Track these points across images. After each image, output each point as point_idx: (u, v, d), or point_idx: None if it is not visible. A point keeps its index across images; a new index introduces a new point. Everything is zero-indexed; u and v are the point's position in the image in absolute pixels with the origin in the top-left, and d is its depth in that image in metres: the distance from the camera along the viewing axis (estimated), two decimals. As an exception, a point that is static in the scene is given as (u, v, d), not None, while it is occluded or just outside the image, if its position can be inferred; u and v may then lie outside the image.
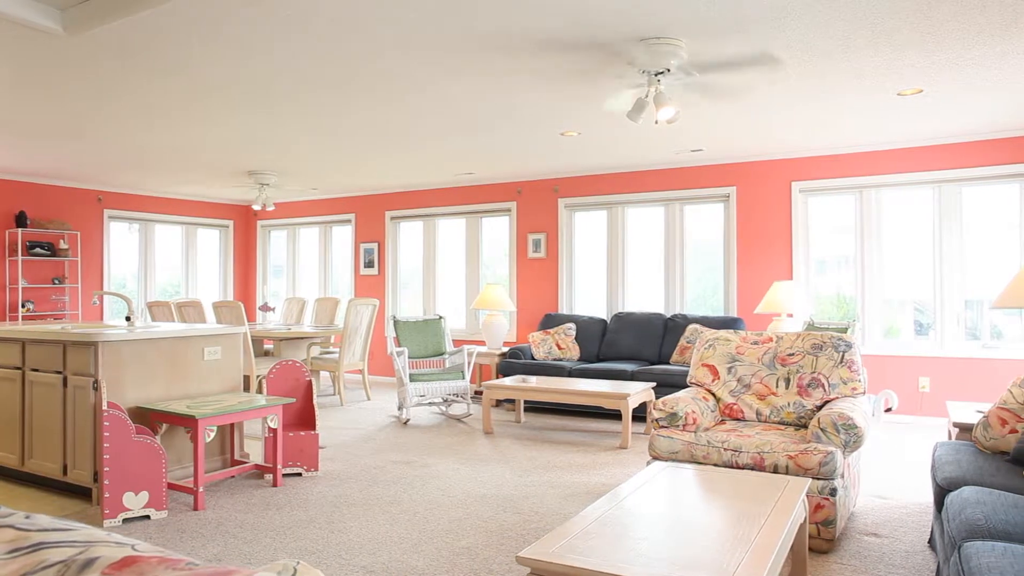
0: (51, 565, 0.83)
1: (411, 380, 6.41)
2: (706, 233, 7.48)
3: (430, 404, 7.10)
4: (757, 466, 3.35)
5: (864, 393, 3.92)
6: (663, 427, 3.73)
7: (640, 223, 7.82)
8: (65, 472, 4.10)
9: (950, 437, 3.86)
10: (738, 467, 3.39)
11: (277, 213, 10.58)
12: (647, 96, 4.05)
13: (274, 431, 4.33)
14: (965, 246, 6.27)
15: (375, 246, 9.54)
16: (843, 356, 3.93)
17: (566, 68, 4.23)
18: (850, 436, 3.33)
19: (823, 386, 3.89)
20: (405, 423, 6.38)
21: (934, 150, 6.31)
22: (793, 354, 4.04)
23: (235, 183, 8.72)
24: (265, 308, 8.53)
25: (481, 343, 8.68)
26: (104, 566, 0.83)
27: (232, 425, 4.69)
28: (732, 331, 4.33)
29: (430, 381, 6.46)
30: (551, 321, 7.69)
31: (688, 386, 4.31)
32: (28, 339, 4.28)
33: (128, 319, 4.62)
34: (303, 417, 4.78)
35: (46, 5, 3.46)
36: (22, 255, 8.04)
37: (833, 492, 3.20)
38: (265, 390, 4.68)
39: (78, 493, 4.19)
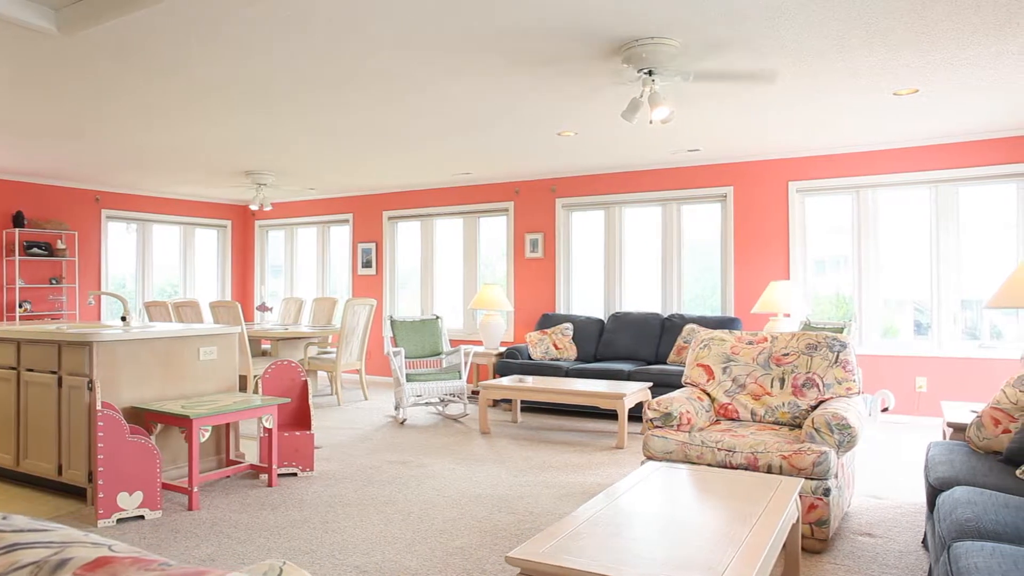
0: (24, 566, 0.83)
1: (408, 380, 6.41)
2: (703, 233, 7.47)
3: (427, 404, 7.10)
4: (751, 466, 3.35)
5: (859, 393, 3.92)
6: (657, 427, 3.73)
7: (637, 223, 7.82)
8: (60, 472, 4.10)
9: (945, 437, 3.86)
10: (732, 467, 3.39)
11: (275, 213, 10.58)
12: (642, 96, 4.04)
13: (269, 431, 4.33)
14: (962, 246, 6.27)
15: (373, 246, 9.54)
16: (838, 356, 3.93)
17: (561, 67, 4.23)
18: (844, 436, 3.33)
19: (818, 386, 3.89)
20: (402, 423, 6.38)
21: (930, 150, 6.31)
22: (788, 354, 4.04)
23: (233, 183, 8.72)
24: (263, 308, 8.53)
25: (479, 343, 8.68)
26: (76, 567, 0.83)
27: (227, 425, 4.69)
28: (727, 331, 4.33)
29: (427, 381, 6.46)
30: (548, 321, 7.69)
31: (683, 386, 4.31)
32: (23, 339, 4.28)
33: (123, 319, 4.62)
34: (299, 417, 4.78)
35: (40, 5, 3.46)
36: (19, 255, 8.04)
37: (827, 492, 3.20)
38: (260, 390, 4.67)
39: (73, 493, 4.18)
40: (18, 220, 8.01)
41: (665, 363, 6.88)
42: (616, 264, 7.87)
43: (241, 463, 4.54)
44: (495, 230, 8.75)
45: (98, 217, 9.00)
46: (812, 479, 3.23)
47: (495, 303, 7.66)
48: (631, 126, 5.76)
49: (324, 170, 7.85)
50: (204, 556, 3.21)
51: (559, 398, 5.65)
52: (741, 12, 3.40)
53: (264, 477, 4.53)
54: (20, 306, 8.07)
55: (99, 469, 3.59)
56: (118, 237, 9.38)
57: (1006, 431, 3.04)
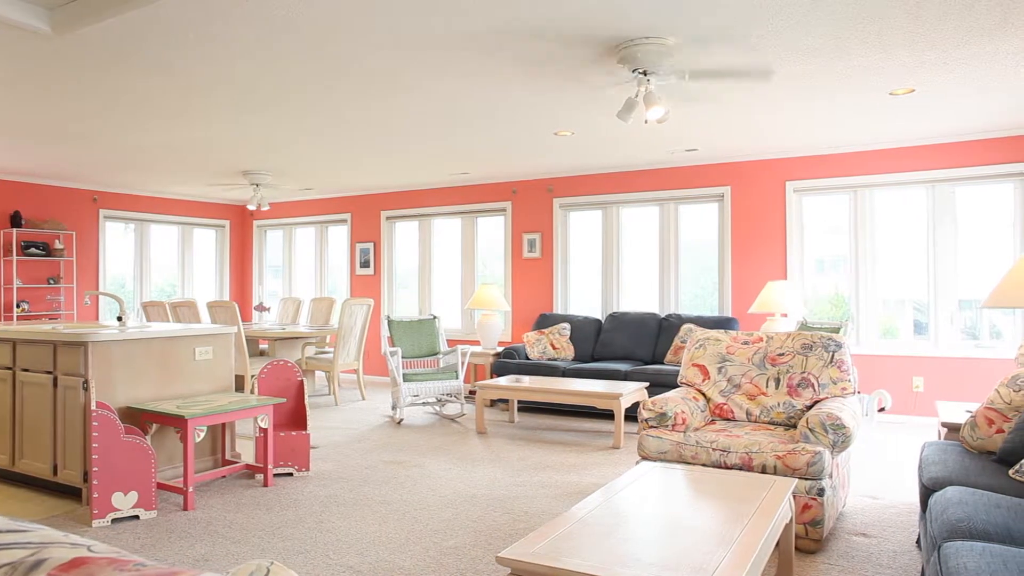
0: (-1, 567, 0.83)
1: (405, 380, 6.41)
2: (701, 233, 7.47)
3: (424, 404, 7.10)
4: (745, 466, 3.35)
5: (854, 393, 3.92)
6: (652, 427, 3.73)
7: (635, 223, 7.82)
8: (55, 472, 4.10)
9: (940, 437, 3.86)
10: (726, 467, 3.39)
11: (273, 213, 10.58)
12: (637, 96, 4.04)
13: (265, 431, 4.33)
14: (959, 246, 6.27)
15: (371, 246, 9.54)
16: (833, 356, 3.93)
17: (557, 68, 4.23)
18: (838, 436, 3.33)
19: (813, 386, 3.89)
20: (399, 423, 6.38)
21: (927, 150, 6.31)
22: (783, 354, 4.04)
23: (230, 183, 8.72)
24: (260, 308, 8.54)
25: (476, 343, 8.68)
26: (52, 567, 0.83)
27: (223, 425, 4.69)
28: (723, 331, 4.32)
29: (424, 381, 6.46)
30: (546, 321, 7.69)
31: (679, 386, 4.31)
32: (19, 339, 4.28)
33: (119, 319, 4.62)
34: (295, 417, 4.78)
35: (33, 5, 3.46)
36: (17, 255, 8.04)
37: (821, 492, 3.19)
38: (256, 390, 4.68)
39: (69, 493, 4.18)
40: (15, 220, 8.01)
41: (662, 363, 6.88)
42: (613, 264, 7.87)
43: (237, 463, 4.54)
44: (493, 230, 8.75)
45: (96, 217, 9.00)
46: (806, 479, 3.23)
47: (492, 303, 7.66)
48: (628, 126, 5.76)
49: (321, 170, 7.85)
50: (198, 556, 3.21)
51: (555, 398, 5.65)
52: (736, 12, 3.40)
53: (260, 477, 4.53)
54: (18, 306, 8.07)
55: (94, 469, 3.59)
56: (116, 237, 9.38)
57: (1000, 431, 3.04)
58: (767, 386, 3.99)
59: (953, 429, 3.50)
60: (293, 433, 4.58)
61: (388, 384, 9.05)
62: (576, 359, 7.30)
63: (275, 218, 10.58)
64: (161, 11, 3.36)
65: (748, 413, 3.98)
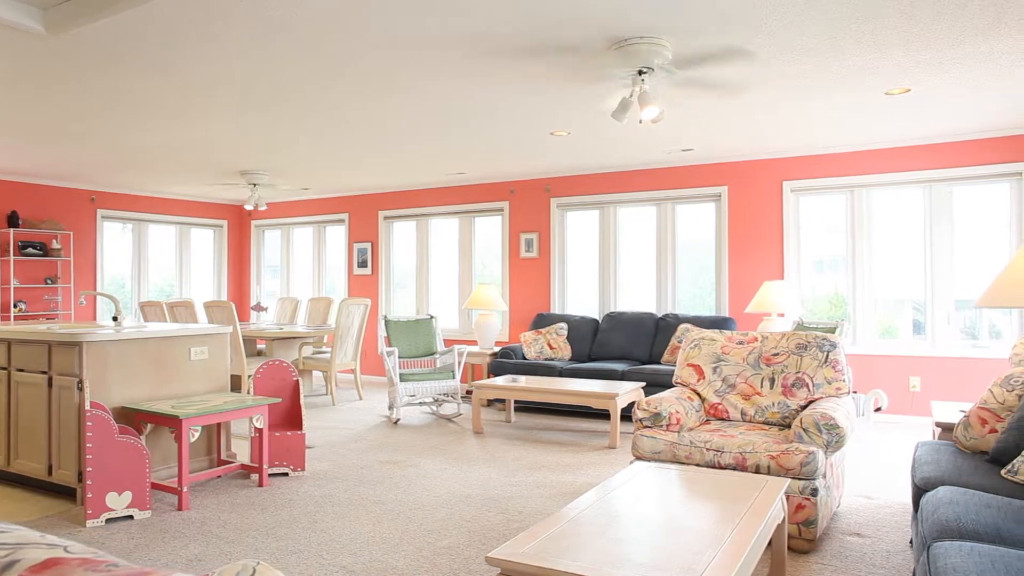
0: (-28, 567, 0.83)
1: (401, 380, 6.41)
2: (698, 233, 7.47)
3: (420, 404, 7.10)
4: (739, 466, 3.35)
5: (848, 393, 3.92)
6: (647, 427, 3.73)
7: (632, 223, 7.82)
8: (50, 472, 4.10)
9: (935, 437, 3.86)
10: (720, 467, 3.39)
11: (271, 213, 10.58)
12: (632, 96, 4.04)
13: (260, 431, 4.33)
14: (956, 245, 6.27)
15: (368, 246, 9.54)
16: (827, 356, 3.93)
17: (552, 68, 4.22)
18: (832, 436, 3.33)
19: (807, 386, 3.89)
20: (395, 423, 6.38)
21: (924, 149, 6.31)
22: (778, 354, 4.04)
23: (228, 183, 8.72)
24: (258, 308, 8.53)
25: (474, 343, 8.68)
26: (24, 568, 0.82)
27: (219, 425, 4.68)
28: (718, 331, 4.32)
29: (420, 381, 6.46)
30: (543, 321, 7.69)
31: (674, 386, 4.31)
32: (13, 339, 4.28)
33: (115, 319, 4.62)
34: (290, 417, 4.78)
35: (27, 5, 3.45)
36: (14, 255, 8.04)
37: (814, 492, 3.19)
38: (252, 390, 4.67)
39: (63, 493, 4.18)
40: (13, 220, 8.01)
41: (659, 363, 6.88)
42: (611, 264, 7.87)
43: (232, 463, 4.54)
44: (490, 230, 8.75)
45: (93, 217, 9.00)
46: (800, 479, 3.23)
47: (490, 303, 7.66)
48: (624, 126, 5.76)
49: (318, 170, 7.84)
50: (191, 556, 3.21)
51: (552, 398, 5.65)
52: (731, 12, 3.40)
53: (255, 477, 4.53)
54: (15, 306, 8.07)
55: (88, 469, 3.59)
56: (114, 237, 9.37)
57: (993, 431, 3.04)
58: (762, 386, 3.99)
59: (947, 429, 3.50)
60: (288, 433, 4.58)
61: (385, 384, 9.05)
62: (573, 359, 7.30)
63: (273, 218, 10.58)
64: (156, 11, 3.36)
65: (743, 413, 3.98)
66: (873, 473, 4.64)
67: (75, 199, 8.82)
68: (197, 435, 3.95)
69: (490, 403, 7.37)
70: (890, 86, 4.66)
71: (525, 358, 7.22)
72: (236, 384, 7.43)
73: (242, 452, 5.28)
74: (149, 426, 4.18)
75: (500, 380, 6.08)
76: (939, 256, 6.30)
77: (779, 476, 3.25)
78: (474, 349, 7.66)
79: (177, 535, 3.48)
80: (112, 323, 4.70)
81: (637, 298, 7.78)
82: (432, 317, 7.16)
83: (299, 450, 4.60)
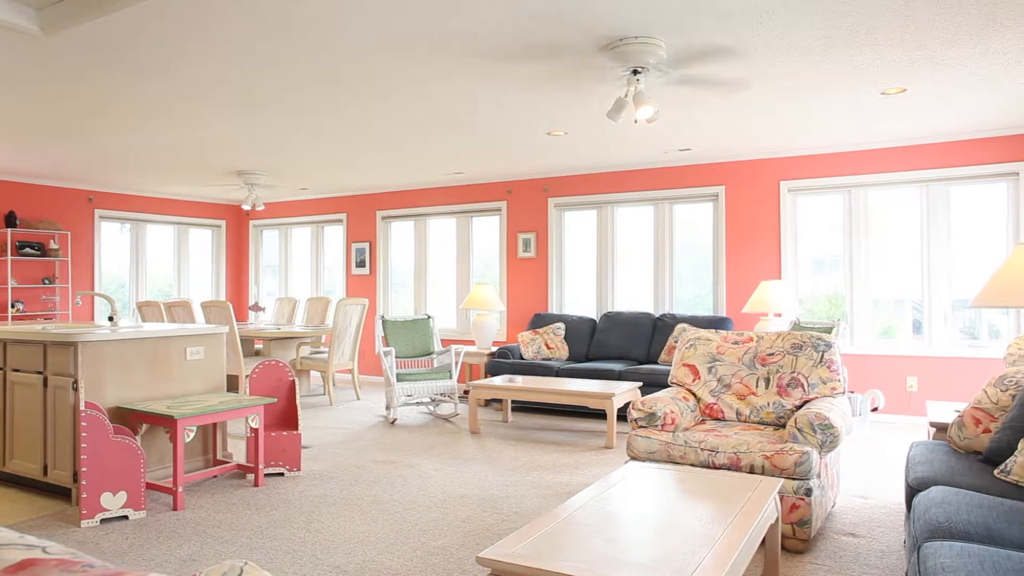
0: (-54, 568, 0.83)
1: (398, 380, 6.41)
2: (695, 233, 7.47)
3: (418, 404, 7.10)
4: (733, 466, 3.35)
5: (843, 393, 3.92)
6: (642, 427, 3.73)
7: (629, 223, 7.82)
8: (45, 472, 4.10)
9: (930, 437, 3.86)
10: (715, 467, 3.39)
11: (269, 213, 10.58)
12: (627, 95, 4.04)
13: (255, 431, 4.33)
14: (953, 245, 6.27)
15: (366, 246, 9.54)
16: (823, 356, 3.93)
17: (548, 68, 4.22)
18: (826, 436, 3.33)
19: (802, 386, 3.89)
20: (392, 423, 6.38)
21: (920, 149, 6.31)
22: (773, 354, 4.04)
23: (225, 183, 8.72)
24: (256, 308, 8.53)
25: (472, 343, 8.68)
26: (-1, 569, 0.82)
27: (215, 425, 4.68)
28: (713, 331, 4.32)
29: (417, 381, 6.46)
30: (540, 321, 7.69)
31: (670, 386, 4.30)
32: (9, 339, 4.28)
33: (111, 319, 4.62)
34: (286, 417, 4.78)
35: (22, 5, 3.45)
36: (11, 255, 8.03)
37: (808, 492, 3.19)
38: (247, 390, 4.67)
39: (58, 493, 4.18)
40: (10, 220, 8.00)
41: (656, 363, 6.88)
42: (608, 264, 7.87)
43: (228, 463, 4.54)
44: (488, 230, 8.75)
45: (91, 217, 9.00)
46: (794, 479, 3.22)
47: (487, 303, 7.66)
48: (621, 126, 5.76)
49: (316, 170, 7.84)
50: (185, 556, 3.21)
51: (548, 398, 5.65)
52: (725, 11, 3.40)
53: (251, 477, 4.53)
54: (12, 306, 8.07)
55: (83, 469, 3.59)
56: (112, 237, 9.37)
57: (987, 431, 3.04)
58: (757, 386, 3.99)
59: (941, 429, 3.50)
60: (284, 433, 4.58)
61: (383, 384, 9.05)
62: (570, 359, 7.30)
63: (271, 218, 10.57)
64: (150, 11, 3.36)
65: (738, 413, 3.98)
66: (869, 473, 4.63)
67: (73, 199, 8.81)
68: (192, 435, 3.95)
69: (488, 403, 7.37)
70: (886, 86, 4.66)
71: (522, 358, 7.22)
72: (234, 384, 7.43)
73: (238, 452, 5.28)
74: (144, 426, 4.18)
75: (497, 380, 6.08)
76: (936, 256, 6.30)
77: (773, 476, 3.25)
78: (472, 349, 7.66)
79: (171, 535, 3.48)
80: (108, 323, 4.70)
81: (634, 298, 7.78)
82: (429, 317, 7.16)
83: (295, 450, 4.60)
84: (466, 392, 8.07)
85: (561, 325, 7.42)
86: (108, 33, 3.64)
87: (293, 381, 4.81)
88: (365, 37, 3.72)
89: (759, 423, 3.92)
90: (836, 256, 6.81)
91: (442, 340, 8.91)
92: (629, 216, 7.82)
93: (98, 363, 4.02)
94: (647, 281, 7.69)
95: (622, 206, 7.81)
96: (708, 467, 3.40)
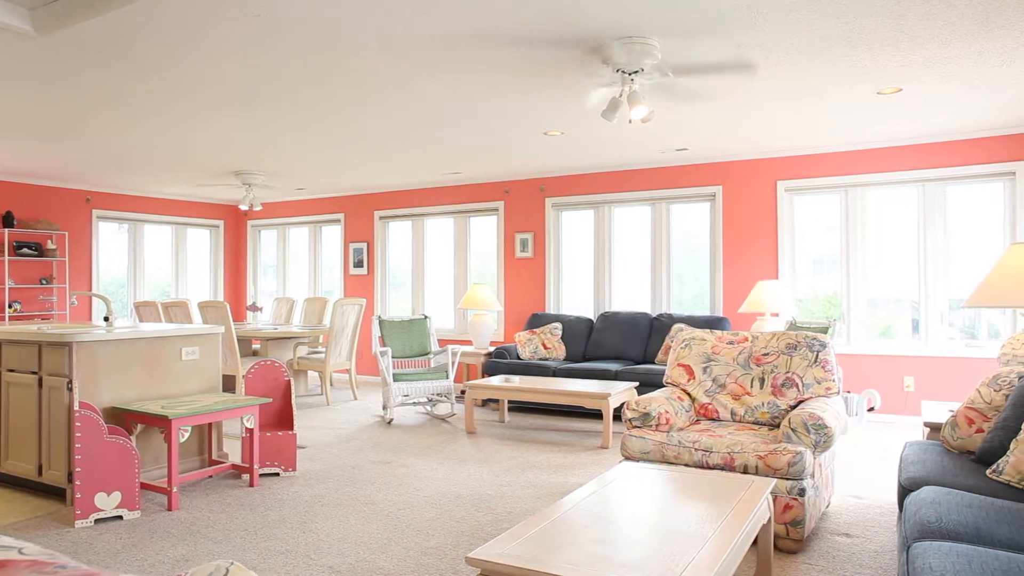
0: (-82, 569, 0.83)
1: (395, 380, 6.41)
2: (692, 233, 7.47)
3: (414, 404, 7.10)
4: (727, 466, 3.35)
5: (838, 393, 3.92)
6: (636, 427, 3.73)
7: (627, 222, 7.82)
8: (40, 473, 4.10)
9: (924, 437, 3.86)
10: (708, 467, 3.39)
11: (267, 213, 10.58)
12: (621, 95, 4.04)
13: (251, 431, 4.33)
14: (950, 245, 6.27)
15: (364, 246, 9.53)
16: (817, 356, 3.93)
17: (542, 67, 4.22)
18: (820, 436, 3.33)
19: (797, 386, 3.89)
20: (389, 423, 6.38)
21: (917, 149, 6.31)
22: (768, 354, 4.04)
23: (223, 183, 8.72)
24: (253, 308, 8.53)
25: (469, 343, 8.67)
26: (-30, 570, 0.82)
27: (210, 425, 4.68)
28: (708, 331, 4.32)
29: (414, 381, 6.46)
30: (538, 321, 7.68)
31: (665, 386, 4.30)
32: (4, 339, 4.27)
33: (106, 319, 4.62)
34: (282, 417, 4.78)
35: (15, 5, 3.45)
36: (9, 255, 8.03)
37: (802, 492, 3.19)
38: (243, 390, 4.67)
39: (53, 494, 4.18)
40: (7, 220, 8.00)
41: (653, 363, 6.88)
42: (606, 264, 7.87)
43: (223, 463, 4.54)
44: (486, 230, 8.75)
45: (89, 217, 9.00)
46: (787, 479, 3.22)
47: (484, 303, 7.66)
48: (618, 126, 5.76)
49: (312, 170, 7.84)
50: (178, 556, 3.21)
51: (544, 398, 5.65)
52: (719, 11, 3.40)
53: (246, 477, 4.53)
54: (10, 306, 8.07)
55: (77, 469, 3.59)
56: (110, 237, 9.37)
57: (980, 431, 3.04)
58: (752, 386, 3.99)
59: (935, 429, 3.50)
60: (280, 433, 4.58)
61: (380, 384, 9.05)
62: (567, 359, 7.30)
63: (269, 218, 10.57)
64: (145, 11, 3.36)
65: (733, 413, 3.98)
66: (864, 473, 4.63)
67: (70, 199, 8.81)
68: (187, 435, 3.95)
69: (485, 403, 7.37)
70: (882, 85, 4.66)
71: (519, 358, 7.22)
72: (231, 384, 7.43)
73: (234, 452, 5.28)
74: (139, 426, 4.18)
75: (493, 380, 6.08)
76: (933, 256, 6.30)
77: (767, 476, 3.25)
78: (469, 349, 7.66)
79: (165, 535, 3.48)
80: (104, 323, 4.70)
81: (632, 298, 7.78)
82: (426, 317, 7.16)
83: (290, 450, 4.60)
84: (463, 392, 8.07)
85: (558, 325, 7.42)
86: (102, 33, 3.64)
87: (288, 381, 4.80)
88: (360, 37, 3.72)
89: (754, 423, 3.92)
90: (833, 256, 6.81)
91: (439, 340, 8.92)
92: (626, 216, 7.82)
93: (93, 363, 4.02)
94: (644, 281, 7.68)
95: (619, 206, 7.81)
96: (702, 467, 3.40)
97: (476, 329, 7.70)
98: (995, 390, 3.08)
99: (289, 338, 7.77)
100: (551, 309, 8.11)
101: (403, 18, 3.47)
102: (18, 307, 8.13)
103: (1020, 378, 3.04)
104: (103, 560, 3.15)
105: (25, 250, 8.16)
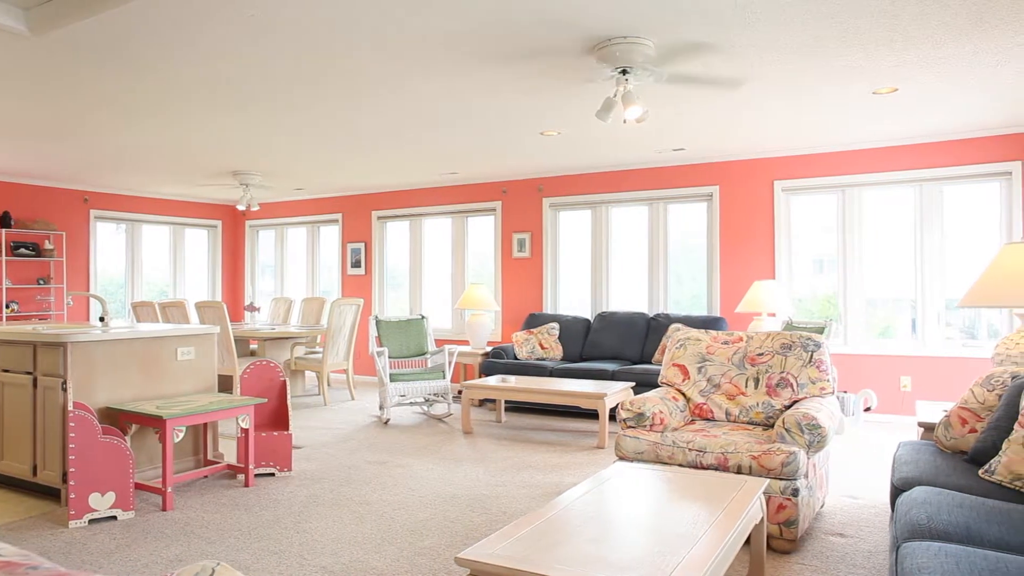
0: None
1: (392, 380, 6.41)
2: (690, 233, 7.47)
3: (411, 404, 7.09)
4: (721, 466, 3.34)
5: (832, 393, 3.92)
6: (630, 427, 3.73)
7: (624, 222, 7.82)
8: (35, 473, 4.10)
9: (919, 437, 3.86)
10: (702, 467, 3.39)
11: (265, 213, 10.58)
12: (615, 95, 4.04)
13: (246, 431, 4.33)
14: (946, 245, 6.27)
15: (362, 246, 9.53)
16: (812, 356, 3.93)
17: (537, 67, 4.22)
18: (814, 436, 3.33)
19: (792, 386, 3.89)
20: (386, 423, 6.38)
21: (914, 149, 6.31)
22: (762, 354, 4.04)
23: (220, 183, 8.72)
24: (251, 308, 8.53)
25: (467, 343, 8.67)
26: (-58, 571, 0.82)
27: (205, 425, 4.68)
28: (703, 331, 4.32)
29: (411, 381, 6.46)
30: (535, 321, 7.68)
31: (660, 386, 4.30)
32: (-1, 340, 4.28)
33: (102, 319, 4.62)
34: (277, 417, 4.78)
35: (9, 5, 3.45)
36: (6, 255, 8.03)
37: (795, 492, 3.19)
38: (238, 390, 4.67)
39: (48, 494, 4.18)
40: (5, 220, 8.00)
41: (650, 363, 6.88)
42: (603, 264, 7.87)
43: (219, 463, 4.54)
44: (483, 230, 8.75)
45: (86, 217, 9.00)
46: (781, 479, 3.22)
47: (481, 303, 7.66)
48: (614, 126, 5.76)
49: (308, 170, 7.84)
50: (172, 556, 3.20)
51: (541, 398, 5.65)
52: (714, 12, 3.40)
53: (241, 477, 4.53)
54: (7, 306, 8.07)
55: (71, 470, 3.59)
56: (108, 237, 9.37)
57: (973, 431, 3.04)
58: (746, 386, 3.99)
59: (929, 429, 3.50)
60: (275, 433, 4.58)
61: (377, 384, 9.04)
62: (564, 359, 7.30)
63: (267, 218, 10.57)
64: (139, 12, 3.36)
65: (727, 413, 3.98)
66: (860, 473, 4.63)
67: (68, 199, 8.81)
68: (182, 435, 3.95)
69: (482, 403, 7.36)
70: (878, 85, 4.65)
71: (517, 358, 7.22)
72: (228, 384, 7.43)
73: (229, 452, 5.28)
74: (134, 427, 4.17)
75: (490, 380, 6.08)
76: (930, 255, 6.30)
77: (760, 476, 3.25)
78: (466, 349, 7.66)
79: (159, 536, 3.47)
80: (99, 324, 4.69)
81: (629, 298, 7.78)
82: (423, 317, 7.16)
83: (286, 450, 4.60)
84: (460, 392, 8.07)
85: (555, 325, 7.42)
86: (97, 33, 3.64)
87: (284, 381, 4.80)
88: (355, 37, 3.72)
89: (748, 423, 3.92)
90: (830, 256, 6.81)
91: (437, 340, 8.92)
92: (624, 216, 7.82)
93: (88, 363, 4.02)
94: (642, 281, 7.68)
95: (617, 206, 7.81)
96: (696, 467, 3.40)
97: (473, 329, 7.70)
98: (988, 390, 3.08)
99: (286, 338, 7.77)
100: (548, 309, 8.11)
101: (397, 18, 3.47)
102: (15, 307, 8.13)
103: (1013, 378, 3.04)
104: (96, 560, 3.15)
105: (22, 250, 8.16)
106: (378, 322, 6.91)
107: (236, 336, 7.61)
